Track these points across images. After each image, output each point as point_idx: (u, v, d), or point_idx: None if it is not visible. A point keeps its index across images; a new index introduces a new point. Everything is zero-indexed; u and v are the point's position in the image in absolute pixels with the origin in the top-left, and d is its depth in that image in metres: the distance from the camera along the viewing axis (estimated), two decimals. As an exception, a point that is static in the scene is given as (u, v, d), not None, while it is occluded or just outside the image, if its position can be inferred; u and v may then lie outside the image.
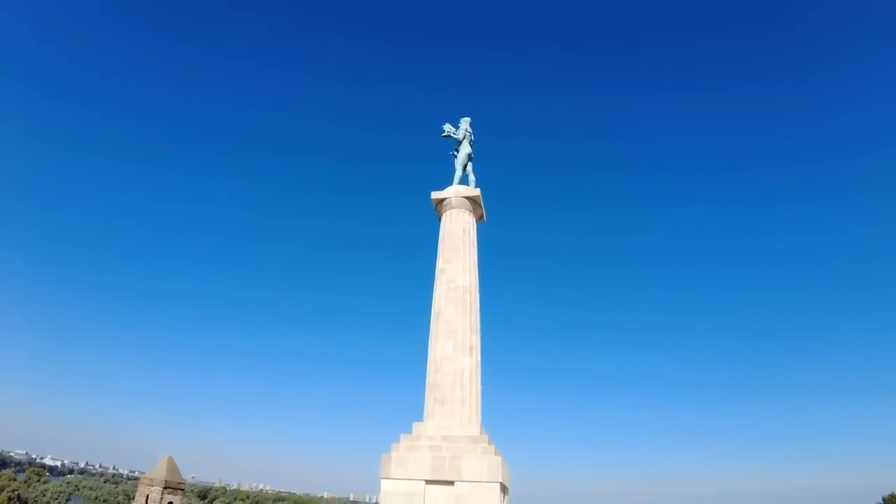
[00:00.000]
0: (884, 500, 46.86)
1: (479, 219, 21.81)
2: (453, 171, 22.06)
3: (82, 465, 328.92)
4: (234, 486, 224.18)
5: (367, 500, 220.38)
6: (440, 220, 21.35)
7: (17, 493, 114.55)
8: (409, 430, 17.61)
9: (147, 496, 26.26)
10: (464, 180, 21.92)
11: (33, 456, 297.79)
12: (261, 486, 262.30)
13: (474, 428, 17.22)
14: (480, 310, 19.78)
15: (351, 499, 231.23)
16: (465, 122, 22.71)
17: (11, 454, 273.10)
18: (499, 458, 16.15)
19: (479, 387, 18.45)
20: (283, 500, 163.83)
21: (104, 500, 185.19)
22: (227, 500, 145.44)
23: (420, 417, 18.21)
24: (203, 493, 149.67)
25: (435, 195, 21.38)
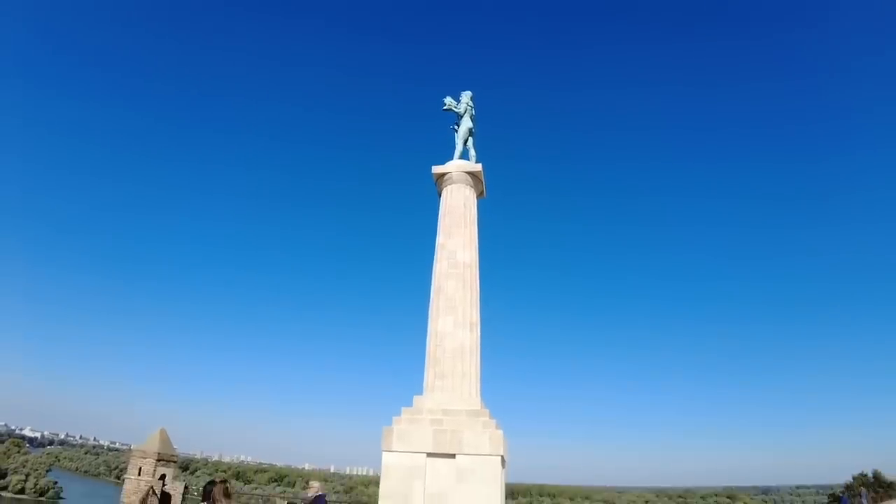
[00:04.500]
0: (853, 478, 48.88)
1: (480, 194, 21.66)
2: (454, 145, 21.79)
3: (62, 436, 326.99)
4: (216, 458, 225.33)
5: (347, 472, 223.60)
6: (440, 195, 21.16)
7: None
8: (409, 404, 17.70)
9: (140, 468, 26.17)
10: (464, 155, 21.67)
11: (12, 427, 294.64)
12: (242, 458, 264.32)
13: (475, 402, 17.38)
14: (480, 285, 19.80)
15: (332, 470, 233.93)
16: (465, 96, 22.33)
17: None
18: (500, 433, 16.35)
19: (479, 362, 18.57)
20: (265, 471, 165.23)
21: (85, 471, 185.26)
22: (208, 472, 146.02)
23: (414, 392, 18.26)
24: (185, 465, 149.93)
25: (435, 169, 21.13)
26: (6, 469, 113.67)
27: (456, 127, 22.10)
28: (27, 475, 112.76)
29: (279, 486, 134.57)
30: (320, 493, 11.19)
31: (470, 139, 22.02)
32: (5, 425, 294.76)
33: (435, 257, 19.89)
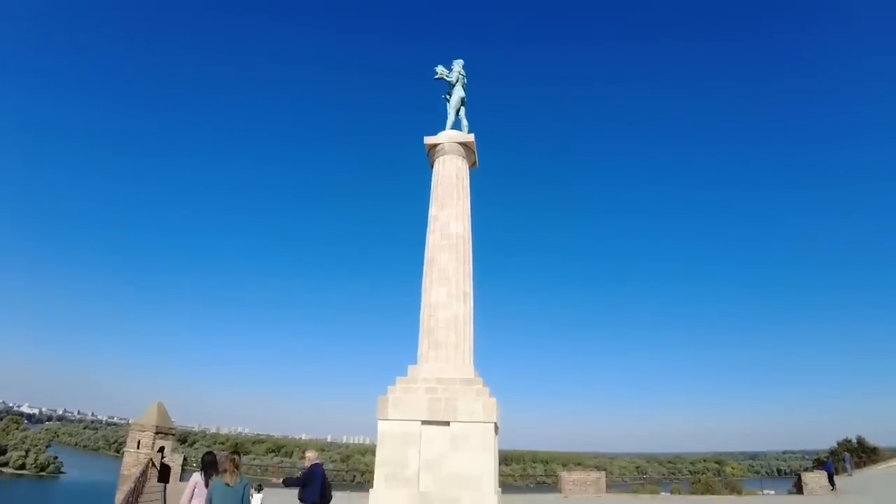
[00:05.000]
0: (838, 444, 50.19)
1: (472, 165, 21.53)
2: (446, 115, 21.55)
3: (60, 412, 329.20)
4: (214, 430, 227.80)
5: (344, 441, 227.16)
6: (432, 166, 21.02)
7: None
8: (404, 374, 17.91)
9: (138, 441, 26.47)
10: (456, 125, 21.43)
11: (10, 404, 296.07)
12: (240, 430, 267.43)
13: (468, 371, 17.61)
14: (473, 257, 19.86)
15: (329, 440, 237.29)
16: (457, 65, 21.97)
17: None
18: (493, 400, 16.61)
19: (472, 332, 18.74)
20: (262, 442, 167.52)
21: (84, 446, 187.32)
22: (206, 444, 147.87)
23: (408, 363, 18.43)
24: (183, 438, 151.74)
25: (427, 140, 20.92)
26: (5, 445, 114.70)
27: (448, 96, 21.80)
28: (27, 451, 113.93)
29: (277, 456, 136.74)
30: (316, 462, 11.32)
31: (462, 109, 21.76)
32: (2, 402, 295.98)
33: (428, 229, 19.86)
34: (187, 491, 8.33)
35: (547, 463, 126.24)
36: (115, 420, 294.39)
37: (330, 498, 11.08)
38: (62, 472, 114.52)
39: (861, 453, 46.81)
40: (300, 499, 10.66)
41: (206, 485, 8.14)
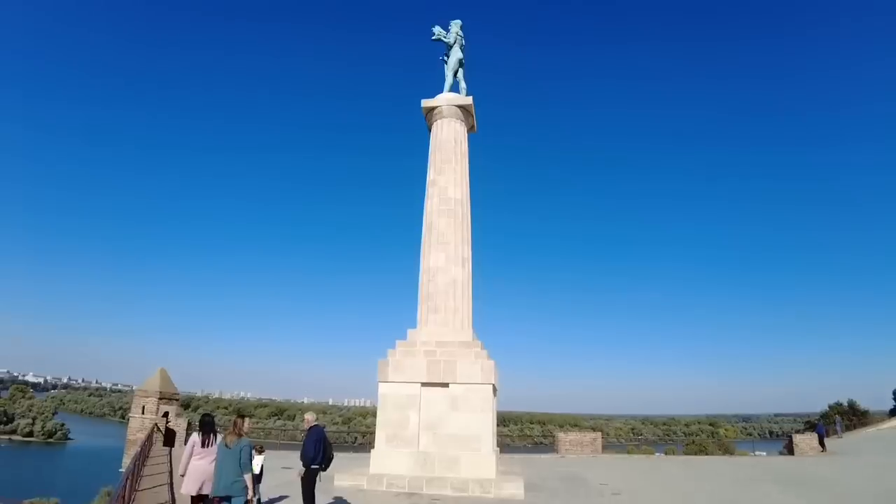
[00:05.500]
0: (829, 407, 51.12)
1: (471, 129, 21.25)
2: (444, 78, 21.15)
3: (65, 380, 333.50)
4: (217, 396, 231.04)
5: (345, 404, 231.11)
6: (430, 129, 20.75)
7: (3, 409, 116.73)
8: (403, 338, 18.07)
9: (143, 407, 26.89)
10: (454, 87, 21.05)
11: (15, 374, 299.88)
12: (242, 395, 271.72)
13: (467, 334, 17.78)
14: (472, 221, 19.80)
15: (330, 403, 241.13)
16: (455, 26, 21.42)
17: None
18: (491, 363, 16.81)
19: (471, 296, 18.84)
20: (265, 406, 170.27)
21: (90, 413, 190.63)
22: (209, 409, 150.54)
23: (408, 327, 18.59)
24: (186, 403, 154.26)
25: (425, 103, 20.58)
26: (13, 414, 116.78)
27: (445, 58, 21.36)
28: (34, 419, 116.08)
29: (279, 419, 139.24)
30: (315, 423, 11.48)
31: (460, 71, 21.34)
32: (7, 372, 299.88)
33: (426, 194, 19.74)
34: (186, 450, 8.69)
35: (544, 424, 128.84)
36: (119, 387, 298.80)
37: (331, 457, 11.29)
38: (69, 439, 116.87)
39: (852, 416, 47.81)
40: (302, 459, 10.87)
41: (203, 444, 8.55)
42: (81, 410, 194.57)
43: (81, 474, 58.57)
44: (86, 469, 64.73)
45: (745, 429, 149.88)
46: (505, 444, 28.86)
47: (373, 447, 16.68)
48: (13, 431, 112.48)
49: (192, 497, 8.54)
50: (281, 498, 13.22)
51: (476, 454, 15.76)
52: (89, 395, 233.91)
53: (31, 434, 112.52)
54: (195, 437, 8.77)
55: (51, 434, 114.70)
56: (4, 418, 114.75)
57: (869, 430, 43.09)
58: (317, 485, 10.96)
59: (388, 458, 16.17)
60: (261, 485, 12.62)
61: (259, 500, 12.41)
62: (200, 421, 9.14)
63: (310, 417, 11.56)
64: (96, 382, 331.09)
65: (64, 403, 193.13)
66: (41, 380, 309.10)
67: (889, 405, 56.20)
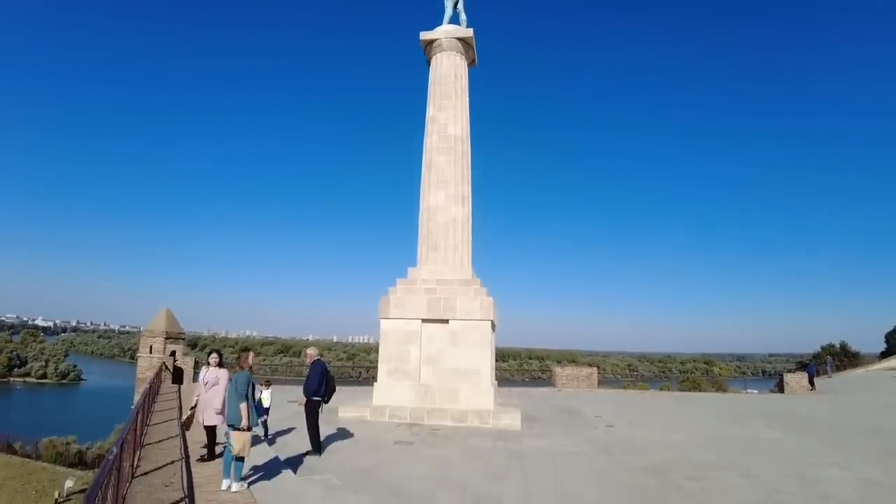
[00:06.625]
0: (822, 348, 52.14)
1: (471, 63, 20.55)
2: (443, 9, 20.26)
3: (74, 323, 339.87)
4: (223, 335, 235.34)
5: (349, 341, 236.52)
6: (429, 63, 20.08)
7: (15, 353, 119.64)
8: (404, 276, 18.22)
9: (150, 347, 27.47)
10: (454, 19, 20.22)
11: (25, 318, 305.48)
12: (248, 333, 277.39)
13: (466, 272, 17.90)
14: (472, 159, 19.50)
15: (335, 340, 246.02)
16: (454, -48, 20.33)
17: (3, 318, 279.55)
18: (490, 300, 17.00)
19: (470, 234, 18.83)
20: (271, 343, 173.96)
21: (100, 354, 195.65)
22: (216, 347, 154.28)
23: (408, 265, 18.69)
24: (193, 343, 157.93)
25: (424, 36, 19.82)
26: (26, 357, 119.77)
27: (444, -12, 20.40)
28: (46, 361, 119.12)
29: (285, 356, 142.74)
30: (317, 358, 11.76)
31: (460, 2, 20.43)
32: (17, 317, 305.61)
33: (425, 131, 19.36)
34: (199, 382, 9.26)
35: (542, 360, 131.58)
36: (128, 329, 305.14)
37: (334, 389, 11.62)
38: (82, 379, 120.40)
39: (843, 357, 48.98)
40: (305, 392, 11.18)
41: (208, 377, 8.99)
42: (92, 352, 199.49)
43: (95, 413, 60.74)
44: (99, 407, 67.12)
45: (739, 368, 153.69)
46: (503, 378, 29.67)
47: (376, 381, 17.17)
48: (27, 374, 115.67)
49: (204, 427, 9.09)
50: (288, 429, 13.72)
51: (475, 387, 16.22)
52: (98, 338, 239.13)
53: (44, 376, 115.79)
54: (204, 371, 9.25)
55: (64, 375, 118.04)
56: (18, 361, 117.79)
57: (858, 371, 44.27)
58: (321, 416, 11.34)
59: (390, 391, 16.66)
60: (268, 417, 13.07)
61: (267, 431, 12.89)
62: (208, 355, 9.49)
63: (311, 352, 11.82)
64: (105, 324, 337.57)
65: (74, 346, 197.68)
66: (50, 324, 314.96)
67: (881, 348, 57.51)
